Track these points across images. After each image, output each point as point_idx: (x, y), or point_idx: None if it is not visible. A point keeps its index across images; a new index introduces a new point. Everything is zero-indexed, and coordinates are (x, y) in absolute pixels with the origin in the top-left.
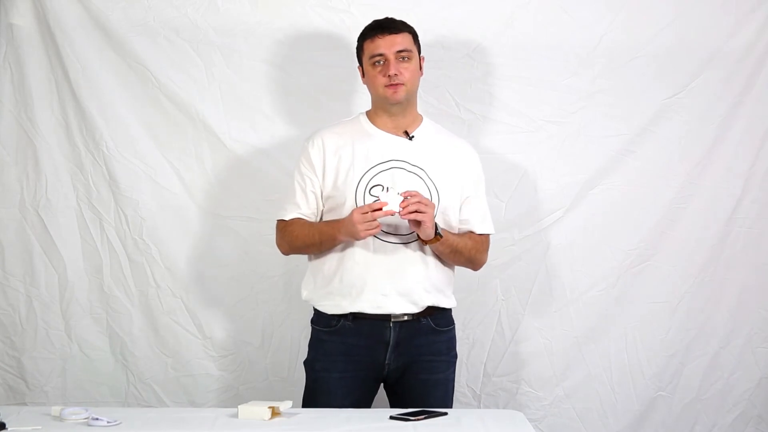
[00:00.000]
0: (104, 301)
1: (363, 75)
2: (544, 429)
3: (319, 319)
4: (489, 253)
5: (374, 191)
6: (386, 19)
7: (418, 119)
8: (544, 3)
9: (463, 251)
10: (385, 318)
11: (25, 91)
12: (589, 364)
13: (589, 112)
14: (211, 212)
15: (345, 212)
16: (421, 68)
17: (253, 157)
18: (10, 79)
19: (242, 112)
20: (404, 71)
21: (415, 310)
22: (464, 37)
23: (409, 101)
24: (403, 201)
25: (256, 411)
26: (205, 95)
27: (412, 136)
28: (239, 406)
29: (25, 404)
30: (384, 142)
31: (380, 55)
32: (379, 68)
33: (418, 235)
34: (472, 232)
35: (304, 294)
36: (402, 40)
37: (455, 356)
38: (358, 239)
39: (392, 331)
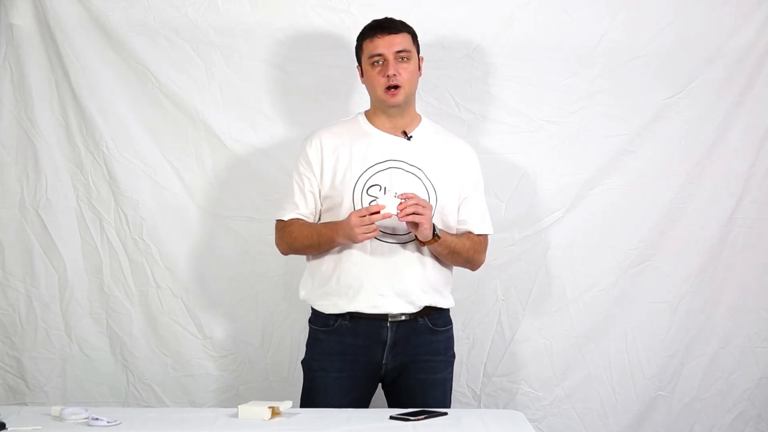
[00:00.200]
0: (104, 301)
1: (362, 75)
2: (544, 429)
3: (317, 318)
4: (489, 253)
5: (372, 191)
6: (385, 19)
7: (416, 119)
8: (544, 3)
9: (461, 252)
10: (383, 318)
11: (25, 91)
12: (589, 364)
13: (589, 112)
14: (211, 212)
15: (343, 212)
16: (420, 68)
17: (253, 157)
18: (10, 79)
19: (242, 112)
20: (403, 72)
21: (413, 310)
22: (464, 37)
23: (408, 102)
24: (400, 203)
25: (256, 411)
26: (205, 95)
27: (411, 136)
28: (239, 406)
29: (25, 404)
30: (382, 142)
31: (379, 55)
32: (377, 68)
33: (415, 236)
34: (470, 232)
35: (302, 294)
36: (401, 41)
37: (453, 356)
38: (355, 242)
39: (389, 330)
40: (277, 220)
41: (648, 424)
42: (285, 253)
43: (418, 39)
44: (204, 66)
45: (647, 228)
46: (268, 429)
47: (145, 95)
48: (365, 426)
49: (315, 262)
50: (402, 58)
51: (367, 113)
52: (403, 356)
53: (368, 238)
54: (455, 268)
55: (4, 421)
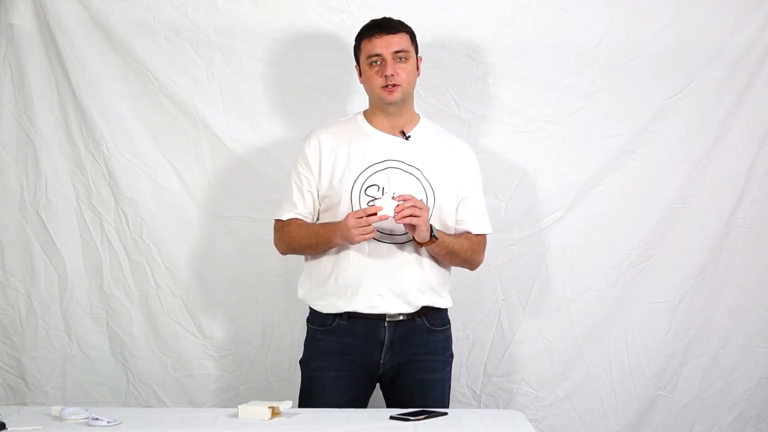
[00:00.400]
0: (104, 301)
1: (360, 74)
2: (544, 429)
3: (315, 318)
4: (489, 253)
5: (370, 191)
6: (384, 18)
7: (414, 119)
8: (544, 3)
9: (459, 252)
10: (380, 318)
11: (25, 91)
12: (589, 364)
13: (589, 112)
14: (211, 212)
15: (341, 212)
16: (418, 68)
17: (253, 156)
18: (10, 79)
19: (242, 112)
20: (401, 72)
21: (410, 310)
22: (464, 37)
23: (406, 101)
24: (397, 205)
25: (256, 411)
26: (205, 95)
27: (409, 136)
28: (239, 406)
29: (25, 404)
30: (380, 142)
31: (377, 55)
32: (375, 68)
33: (413, 237)
34: (468, 232)
35: (300, 293)
36: (399, 41)
37: (451, 356)
38: (352, 243)
39: (387, 330)
40: (275, 220)
41: (648, 424)
42: (283, 252)
43: (418, 39)
44: (204, 66)
45: (647, 228)
46: (268, 429)
47: (145, 95)
48: (365, 426)
49: (313, 262)
50: (400, 58)
51: (365, 113)
52: (401, 356)
53: (365, 240)
54: (454, 268)
55: (4, 421)
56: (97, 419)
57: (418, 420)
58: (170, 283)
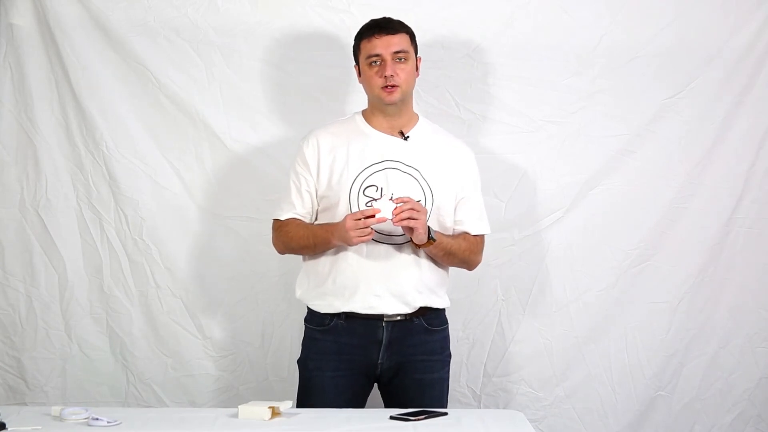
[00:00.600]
0: (104, 301)
1: (359, 74)
2: (544, 429)
3: (312, 317)
4: (489, 253)
5: (368, 191)
6: (384, 18)
7: (413, 119)
8: (544, 3)
9: (456, 253)
10: (378, 318)
11: (25, 91)
12: (589, 364)
13: (589, 112)
14: (211, 212)
15: (339, 212)
16: (417, 69)
17: (253, 156)
18: (10, 79)
19: (242, 112)
20: (400, 72)
21: (408, 310)
22: (464, 37)
23: (405, 102)
24: (395, 208)
25: (256, 411)
26: (205, 95)
27: (407, 137)
28: (239, 406)
29: (25, 404)
30: (379, 142)
31: (377, 55)
32: (375, 69)
33: (410, 239)
34: (467, 232)
35: (298, 293)
36: (399, 41)
37: (449, 356)
38: (350, 245)
39: (385, 330)
40: (274, 220)
41: (648, 424)
42: (281, 252)
43: (418, 39)
44: (204, 66)
45: (647, 228)
46: (268, 429)
47: (145, 95)
48: (365, 426)
49: (311, 262)
50: (399, 59)
51: (364, 113)
52: (398, 356)
53: (362, 242)
54: (453, 268)
55: (4, 421)
56: (97, 419)
57: (418, 420)
58: (170, 283)
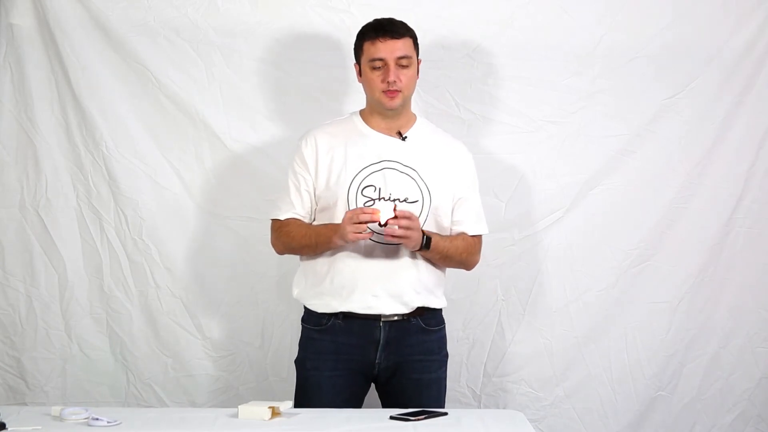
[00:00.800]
0: (104, 301)
1: (359, 74)
2: (544, 429)
3: (309, 317)
4: (489, 253)
5: (366, 191)
6: (388, 20)
7: (411, 119)
8: (544, 3)
9: (453, 256)
10: (375, 318)
11: (25, 91)
12: (589, 364)
13: (589, 112)
14: (210, 212)
15: (337, 212)
16: (418, 71)
17: (252, 156)
18: (10, 79)
19: (242, 112)
20: (403, 77)
21: (405, 311)
22: (464, 37)
23: (404, 104)
24: (393, 218)
25: (256, 411)
26: (205, 95)
27: (405, 137)
28: (239, 406)
29: (25, 404)
30: (377, 143)
31: (380, 59)
32: (377, 72)
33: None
34: (464, 233)
35: (295, 292)
36: (403, 46)
37: (446, 355)
38: (346, 240)
39: (382, 330)
40: (272, 220)
41: (648, 424)
42: (280, 252)
43: (418, 39)
44: (204, 66)
45: (647, 228)
46: (268, 429)
47: (145, 95)
48: (365, 426)
49: (309, 262)
50: (403, 64)
51: (362, 113)
52: (396, 356)
53: (358, 239)
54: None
55: (4, 421)
56: (97, 419)
57: (419, 420)
58: (170, 283)
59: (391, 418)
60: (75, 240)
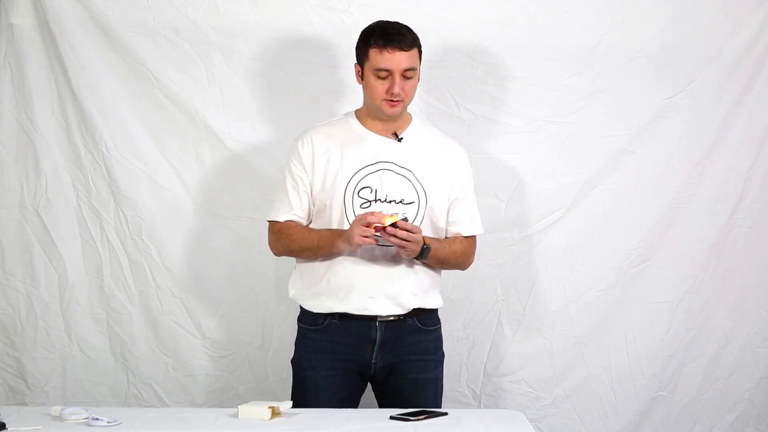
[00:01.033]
0: (104, 301)
1: (361, 76)
2: (544, 429)
3: (306, 317)
4: (489, 253)
5: (363, 193)
6: (396, 29)
7: (407, 120)
8: (544, 3)
9: (450, 260)
10: (371, 318)
11: (25, 91)
12: (589, 364)
13: (589, 112)
14: (210, 212)
15: (334, 213)
16: (419, 77)
17: (252, 156)
18: (10, 79)
19: (242, 112)
20: (407, 88)
21: (402, 312)
22: (464, 37)
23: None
24: (392, 224)
25: (256, 411)
26: (205, 95)
27: (401, 138)
28: (239, 406)
29: (25, 404)
30: (373, 144)
31: (386, 70)
32: (382, 81)
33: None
34: (459, 233)
35: (291, 292)
36: (409, 58)
37: (442, 355)
38: (351, 243)
39: (378, 330)
40: (270, 221)
41: (648, 424)
42: (278, 254)
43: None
44: (204, 66)
45: (647, 228)
46: (268, 429)
47: (145, 95)
48: (365, 426)
49: (306, 263)
50: (408, 76)
51: (357, 114)
52: (392, 356)
53: (365, 243)
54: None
55: (4, 421)
56: (97, 419)
57: (418, 420)
58: (170, 284)
59: (391, 418)
60: (75, 240)
